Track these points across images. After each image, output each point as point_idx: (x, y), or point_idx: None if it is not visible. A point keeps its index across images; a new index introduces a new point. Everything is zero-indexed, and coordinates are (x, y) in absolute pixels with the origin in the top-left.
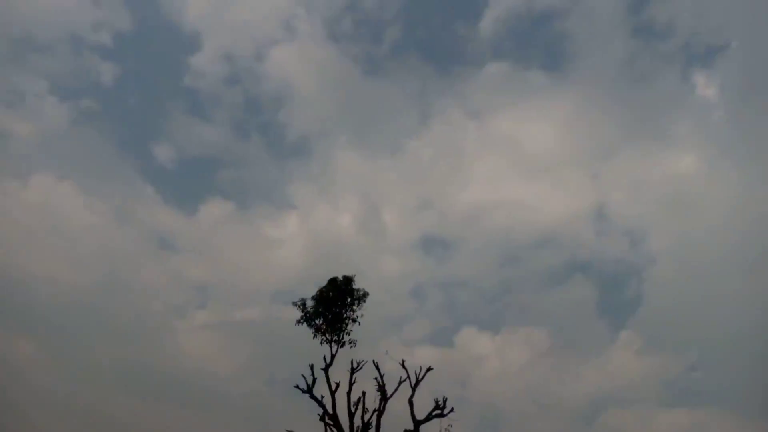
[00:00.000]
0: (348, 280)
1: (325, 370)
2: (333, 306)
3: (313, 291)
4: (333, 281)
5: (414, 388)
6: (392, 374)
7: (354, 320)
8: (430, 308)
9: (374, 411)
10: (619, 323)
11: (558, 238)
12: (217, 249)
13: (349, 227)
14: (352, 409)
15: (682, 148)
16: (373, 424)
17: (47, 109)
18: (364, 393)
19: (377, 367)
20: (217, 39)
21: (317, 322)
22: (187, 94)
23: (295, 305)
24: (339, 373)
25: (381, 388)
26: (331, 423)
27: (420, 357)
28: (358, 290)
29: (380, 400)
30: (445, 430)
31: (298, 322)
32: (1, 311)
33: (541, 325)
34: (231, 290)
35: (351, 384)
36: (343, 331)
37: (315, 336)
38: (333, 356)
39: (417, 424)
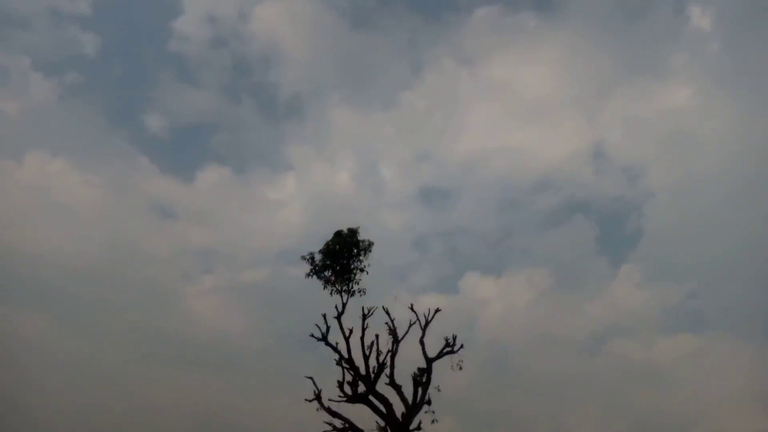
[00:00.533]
0: (353, 232)
1: (338, 318)
2: (340, 258)
3: (316, 249)
4: (338, 234)
5: (424, 329)
6: (402, 321)
7: (361, 270)
8: (433, 257)
9: (388, 352)
10: (620, 258)
11: (556, 180)
12: (218, 214)
13: (348, 184)
14: (367, 352)
15: (678, 81)
16: (388, 364)
17: (32, 85)
18: (377, 336)
19: (387, 312)
20: (199, 1)
21: (326, 274)
22: (173, 59)
23: (304, 259)
24: (351, 321)
25: (392, 332)
26: (348, 366)
27: (426, 304)
28: (363, 241)
29: (392, 342)
30: (457, 365)
31: (308, 275)
32: (11, 290)
33: (543, 266)
34: (235, 253)
35: (363, 329)
36: (352, 280)
37: (325, 287)
38: (344, 305)
39: (429, 361)
